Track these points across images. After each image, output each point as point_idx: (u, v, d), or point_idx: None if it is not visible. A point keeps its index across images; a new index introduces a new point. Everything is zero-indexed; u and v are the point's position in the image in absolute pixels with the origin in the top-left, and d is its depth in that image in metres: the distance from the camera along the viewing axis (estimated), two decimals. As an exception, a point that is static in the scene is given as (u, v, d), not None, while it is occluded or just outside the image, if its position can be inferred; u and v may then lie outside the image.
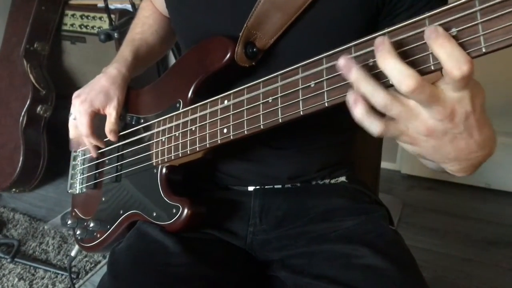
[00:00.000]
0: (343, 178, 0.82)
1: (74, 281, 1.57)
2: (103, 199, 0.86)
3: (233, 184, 0.81)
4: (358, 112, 0.44)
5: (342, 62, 0.44)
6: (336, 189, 0.80)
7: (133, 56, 0.86)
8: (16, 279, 1.57)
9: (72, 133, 0.86)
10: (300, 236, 0.74)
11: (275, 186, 0.79)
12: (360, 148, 0.94)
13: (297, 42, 0.67)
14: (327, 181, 0.81)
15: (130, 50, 0.87)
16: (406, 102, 0.43)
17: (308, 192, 0.79)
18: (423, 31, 0.41)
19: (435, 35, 0.40)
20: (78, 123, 0.81)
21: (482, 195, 2.00)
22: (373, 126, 0.44)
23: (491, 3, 0.38)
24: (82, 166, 0.94)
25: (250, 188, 0.79)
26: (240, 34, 0.66)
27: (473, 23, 0.40)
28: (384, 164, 1.14)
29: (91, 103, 0.79)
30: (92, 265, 1.65)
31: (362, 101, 0.44)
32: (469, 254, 1.66)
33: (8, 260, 1.62)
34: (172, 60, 2.11)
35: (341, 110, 0.52)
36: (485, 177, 1.99)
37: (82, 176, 0.94)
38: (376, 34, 0.47)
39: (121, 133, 0.83)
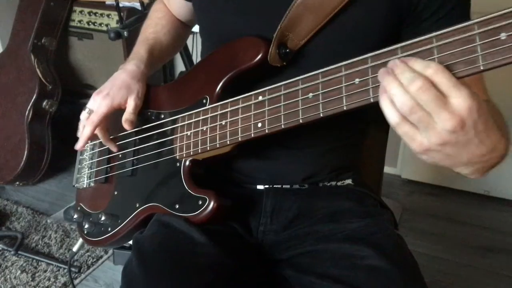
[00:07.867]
0: (349, 181, 0.84)
1: (76, 275, 1.59)
2: (116, 192, 0.87)
3: (244, 182, 0.83)
4: (385, 98, 0.48)
5: (381, 70, 0.48)
6: (342, 192, 0.82)
7: (148, 54, 0.88)
8: (19, 272, 1.59)
9: (81, 126, 0.84)
10: (307, 236, 0.75)
11: (284, 186, 0.81)
12: (364, 153, 0.96)
13: (326, 43, 0.70)
14: (334, 183, 0.83)
15: (145, 48, 0.89)
16: (425, 108, 0.46)
17: (316, 193, 0.81)
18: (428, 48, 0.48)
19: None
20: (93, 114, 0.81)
21: (481, 202, 2.02)
22: (392, 115, 0.48)
23: (489, 27, 0.44)
24: (91, 161, 0.95)
25: (260, 187, 0.81)
26: (274, 35, 0.68)
27: (472, 45, 0.45)
28: (385, 169, 1.15)
29: (113, 98, 0.81)
30: (94, 259, 1.66)
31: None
32: (466, 259, 1.68)
33: (12, 252, 1.63)
34: (179, 62, 2.12)
35: (356, 112, 0.55)
36: (485, 184, 2.01)
37: (90, 171, 0.94)
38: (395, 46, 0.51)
39: (139, 128, 0.84)
